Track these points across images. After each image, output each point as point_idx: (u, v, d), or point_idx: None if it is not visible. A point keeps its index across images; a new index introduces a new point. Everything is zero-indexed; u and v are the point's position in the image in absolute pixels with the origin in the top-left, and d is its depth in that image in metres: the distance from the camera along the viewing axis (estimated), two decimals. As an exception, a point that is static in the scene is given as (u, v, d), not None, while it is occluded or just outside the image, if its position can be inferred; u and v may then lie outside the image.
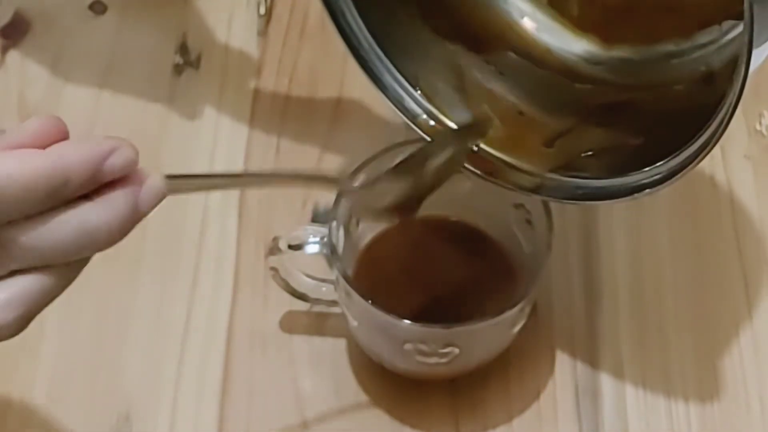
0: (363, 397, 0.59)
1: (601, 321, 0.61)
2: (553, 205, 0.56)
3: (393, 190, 0.54)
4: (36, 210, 0.38)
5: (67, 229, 0.39)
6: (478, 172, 0.56)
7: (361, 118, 0.69)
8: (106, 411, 0.58)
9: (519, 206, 0.58)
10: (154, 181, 0.41)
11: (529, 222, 0.58)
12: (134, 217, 0.40)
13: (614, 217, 0.65)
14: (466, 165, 0.56)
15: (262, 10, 0.73)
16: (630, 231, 0.65)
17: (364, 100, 0.69)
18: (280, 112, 0.69)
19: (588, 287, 0.62)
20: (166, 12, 0.73)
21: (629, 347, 0.60)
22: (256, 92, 0.70)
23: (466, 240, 0.60)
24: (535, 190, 0.55)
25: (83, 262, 0.41)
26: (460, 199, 0.60)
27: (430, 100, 0.57)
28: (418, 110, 0.57)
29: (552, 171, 0.54)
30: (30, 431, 0.58)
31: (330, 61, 0.71)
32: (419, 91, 0.57)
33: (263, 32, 0.72)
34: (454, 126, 0.57)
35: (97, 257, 0.64)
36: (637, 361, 0.60)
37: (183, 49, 0.72)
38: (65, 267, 0.40)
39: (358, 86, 0.70)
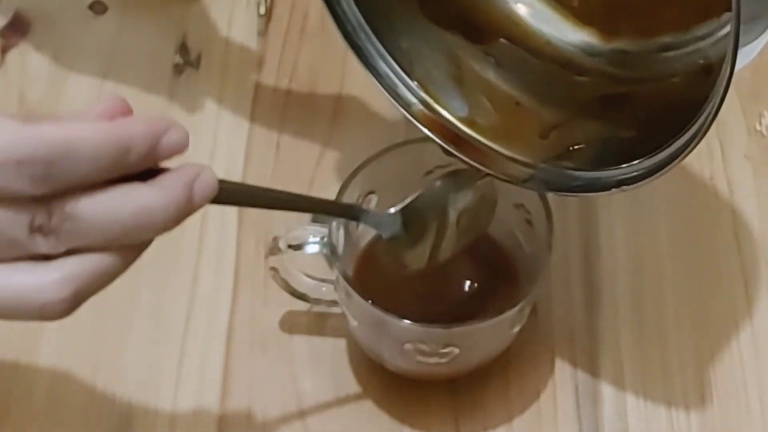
0: (363, 397, 0.59)
1: (601, 321, 0.61)
2: (553, 205, 0.56)
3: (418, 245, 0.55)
4: (101, 177, 0.39)
5: (126, 205, 0.40)
6: (469, 160, 0.55)
7: (361, 118, 0.69)
8: (107, 411, 0.58)
9: (519, 206, 0.58)
10: (208, 175, 0.42)
11: (529, 222, 0.58)
12: (188, 206, 0.42)
13: (614, 217, 0.65)
14: (456, 152, 0.56)
15: (262, 10, 0.73)
16: (630, 231, 0.65)
17: (364, 100, 0.69)
18: (281, 112, 0.69)
19: (588, 287, 0.62)
20: (166, 12, 0.73)
21: (629, 347, 0.60)
22: (257, 92, 0.70)
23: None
24: (527, 180, 0.54)
25: (140, 248, 0.42)
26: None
27: (425, 89, 0.57)
28: (413, 99, 0.57)
29: (545, 162, 0.54)
30: None
31: (330, 60, 0.71)
32: (414, 80, 0.57)
33: (263, 32, 0.72)
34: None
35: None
36: (637, 361, 0.60)
37: (183, 49, 0.72)
38: (121, 250, 0.41)
39: (358, 86, 0.70)
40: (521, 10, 0.59)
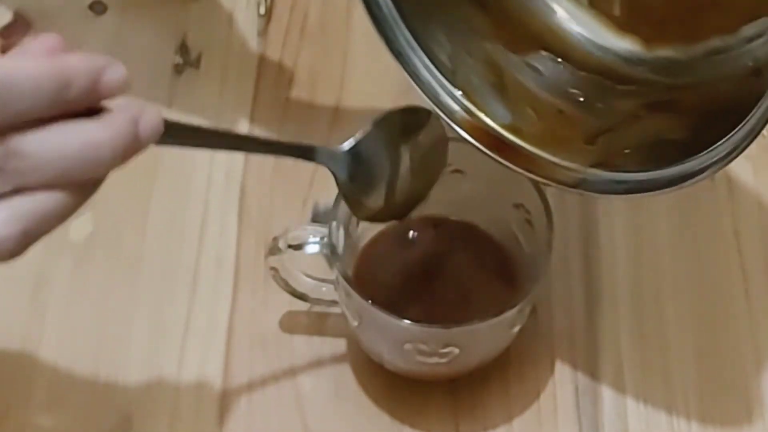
0: (363, 397, 0.59)
1: (601, 321, 0.61)
2: (553, 205, 0.56)
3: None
4: (43, 113, 0.39)
5: (71, 139, 0.40)
6: (516, 167, 0.55)
7: (361, 118, 0.68)
8: (107, 411, 0.58)
9: (519, 206, 0.58)
10: (153, 111, 0.42)
11: (529, 222, 0.58)
12: (135, 142, 0.41)
13: (614, 217, 0.65)
14: (501, 159, 0.55)
15: (262, 10, 0.73)
16: (630, 231, 0.65)
17: (363, 100, 0.69)
18: (280, 112, 0.69)
19: (588, 287, 0.62)
20: (166, 12, 0.73)
21: (629, 347, 0.60)
22: (256, 92, 0.70)
23: (466, 240, 0.60)
24: (576, 185, 0.54)
25: (89, 187, 0.42)
26: (460, 198, 0.60)
27: (467, 97, 0.57)
28: (455, 106, 0.57)
29: (593, 166, 0.54)
30: (30, 432, 0.58)
31: (330, 61, 0.71)
32: (457, 89, 0.57)
33: (263, 32, 0.72)
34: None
35: (97, 256, 0.64)
36: (637, 361, 0.60)
37: (183, 49, 0.72)
38: (70, 188, 0.41)
39: (358, 86, 0.70)
40: (562, 20, 0.59)
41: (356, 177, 0.53)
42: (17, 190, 0.40)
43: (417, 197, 0.56)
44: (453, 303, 0.58)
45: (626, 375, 0.60)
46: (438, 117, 0.56)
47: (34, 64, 0.40)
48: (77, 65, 0.40)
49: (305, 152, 0.52)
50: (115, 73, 0.42)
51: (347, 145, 0.53)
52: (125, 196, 0.64)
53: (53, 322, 0.61)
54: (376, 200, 0.55)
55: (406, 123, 0.55)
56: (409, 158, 0.55)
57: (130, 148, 0.41)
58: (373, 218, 0.56)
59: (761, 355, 0.60)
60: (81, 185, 0.41)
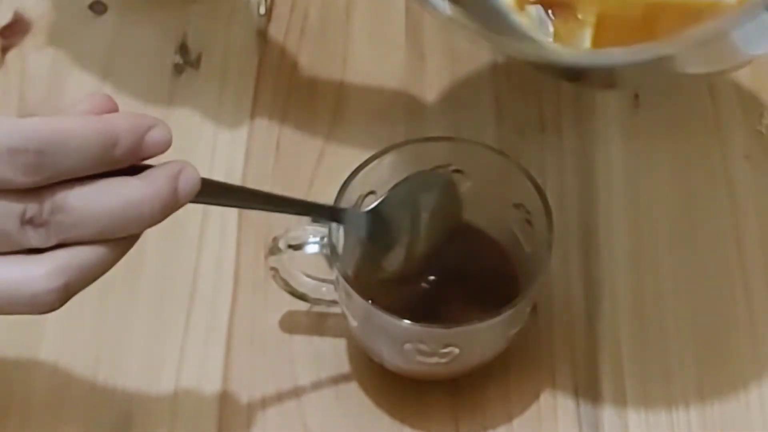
0: (363, 397, 0.59)
1: (601, 321, 0.61)
2: (553, 205, 0.56)
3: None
4: (88, 170, 0.41)
5: (114, 196, 0.41)
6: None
7: (361, 118, 0.69)
8: (107, 409, 0.58)
9: (519, 206, 0.58)
10: (192, 170, 0.44)
11: (529, 222, 0.58)
12: (174, 200, 0.43)
13: (614, 217, 0.65)
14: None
15: (262, 10, 0.73)
16: (630, 231, 0.65)
17: (364, 100, 0.69)
18: (280, 112, 0.69)
19: (588, 287, 0.62)
20: (166, 12, 0.73)
21: (629, 347, 0.60)
22: (256, 92, 0.70)
23: (466, 240, 0.60)
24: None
25: (128, 241, 0.43)
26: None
27: None
28: None
29: None
30: (30, 432, 0.58)
31: (330, 61, 0.71)
32: None
33: (263, 32, 0.72)
34: None
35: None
36: (637, 361, 0.60)
37: (183, 49, 0.72)
38: (110, 243, 0.42)
39: (358, 86, 0.70)
40: None
41: (377, 238, 0.55)
42: (60, 245, 0.41)
43: (430, 256, 0.58)
44: (453, 303, 0.58)
45: (626, 375, 0.59)
46: (449, 176, 0.57)
47: (82, 123, 0.41)
48: (123, 125, 0.42)
49: (331, 213, 0.55)
50: (159, 132, 0.43)
51: (370, 207, 0.56)
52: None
53: (53, 322, 0.61)
54: (395, 261, 0.56)
55: (422, 186, 0.57)
56: (428, 219, 0.57)
57: (169, 206, 0.43)
58: (391, 279, 0.57)
59: (761, 355, 0.60)
60: (121, 240, 0.42)
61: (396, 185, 0.56)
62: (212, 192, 0.46)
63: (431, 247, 0.58)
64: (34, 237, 0.40)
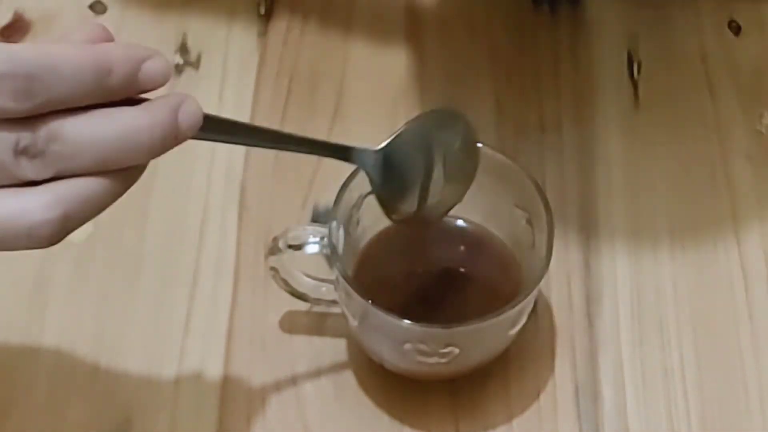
0: (363, 397, 0.59)
1: (601, 322, 0.61)
2: (553, 205, 0.56)
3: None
4: (83, 99, 0.40)
5: (111, 124, 0.40)
6: None
7: (361, 118, 0.69)
8: (107, 411, 0.58)
9: (519, 206, 0.58)
10: (194, 103, 0.43)
11: (529, 222, 0.58)
12: (174, 133, 0.42)
13: (614, 217, 0.65)
14: None
15: (263, 11, 0.73)
16: (630, 231, 0.65)
17: (364, 100, 0.69)
18: (281, 112, 0.69)
19: (588, 287, 0.62)
20: (166, 12, 0.73)
21: (629, 347, 0.60)
22: (257, 92, 0.70)
23: (466, 240, 0.60)
24: None
25: (128, 175, 0.42)
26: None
27: None
28: None
29: None
30: (30, 432, 0.58)
31: (330, 61, 0.71)
32: None
33: (263, 32, 0.73)
34: None
35: (98, 256, 0.64)
36: (637, 361, 0.60)
37: (183, 49, 0.72)
38: (111, 175, 0.41)
39: (358, 86, 0.70)
40: None
41: (390, 179, 0.53)
42: (57, 177, 0.40)
43: (450, 202, 0.56)
44: (453, 303, 0.58)
45: (626, 374, 0.60)
46: (468, 120, 0.55)
47: (75, 50, 0.40)
48: (119, 54, 0.41)
49: (341, 152, 0.52)
50: (156, 63, 0.42)
51: (381, 145, 0.53)
52: (125, 196, 0.64)
53: (54, 321, 0.61)
54: (410, 204, 0.55)
55: (438, 125, 0.55)
56: (443, 161, 0.55)
57: (170, 136, 0.42)
58: (407, 222, 0.55)
59: (761, 355, 0.60)
60: (122, 172, 0.42)
61: (410, 121, 0.54)
62: (216, 128, 0.45)
63: (448, 192, 0.55)
64: (29, 168, 0.40)
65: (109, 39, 0.43)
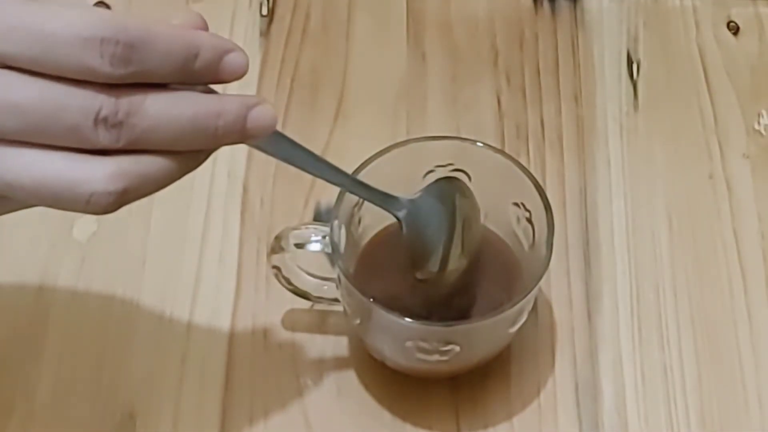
0: (364, 395, 0.59)
1: (601, 320, 0.61)
2: (553, 204, 0.57)
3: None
4: (168, 76, 0.41)
5: (187, 107, 0.42)
6: None
7: (363, 118, 0.69)
8: (110, 410, 0.58)
9: (519, 205, 0.58)
10: (268, 108, 0.44)
11: (529, 221, 0.58)
12: (242, 128, 0.44)
13: (614, 216, 0.65)
14: None
15: (264, 11, 0.73)
16: (630, 230, 0.65)
17: (365, 100, 0.70)
18: (282, 113, 0.69)
19: (588, 286, 0.63)
20: (167, 12, 0.73)
21: (629, 346, 0.61)
22: (259, 92, 0.70)
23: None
24: None
25: (191, 160, 0.43)
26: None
27: None
28: None
29: None
30: (34, 430, 0.58)
31: (332, 61, 0.71)
32: None
33: (265, 33, 0.73)
34: None
35: (101, 255, 0.64)
36: (637, 359, 0.60)
37: (185, 49, 0.72)
38: (174, 157, 0.42)
39: (360, 86, 0.70)
40: None
41: (419, 232, 0.55)
42: (127, 150, 0.41)
43: (459, 269, 0.57)
44: (454, 301, 0.59)
45: (626, 373, 0.60)
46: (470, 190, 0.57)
47: (171, 30, 0.42)
48: (207, 40, 0.42)
49: (390, 203, 0.54)
50: (239, 57, 0.44)
51: (414, 196, 0.55)
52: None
53: (57, 320, 0.61)
54: (433, 263, 0.56)
55: (459, 192, 0.57)
56: (461, 227, 0.57)
57: (236, 131, 0.43)
58: (428, 282, 0.56)
59: (761, 355, 0.60)
60: (184, 156, 0.43)
61: (433, 183, 0.56)
62: (280, 146, 0.48)
63: (460, 259, 0.57)
64: (105, 136, 0.40)
65: (204, 27, 0.44)
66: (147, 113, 0.41)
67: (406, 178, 0.58)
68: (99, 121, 0.40)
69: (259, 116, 0.44)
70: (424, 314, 0.55)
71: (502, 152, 0.59)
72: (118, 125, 0.40)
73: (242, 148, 0.67)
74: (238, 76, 0.44)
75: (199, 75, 0.42)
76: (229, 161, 0.67)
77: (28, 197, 0.42)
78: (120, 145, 0.41)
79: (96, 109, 0.40)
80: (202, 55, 0.42)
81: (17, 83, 0.40)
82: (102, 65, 0.40)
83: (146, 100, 0.41)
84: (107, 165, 0.41)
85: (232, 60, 0.43)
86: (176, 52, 0.41)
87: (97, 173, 0.41)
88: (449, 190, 0.57)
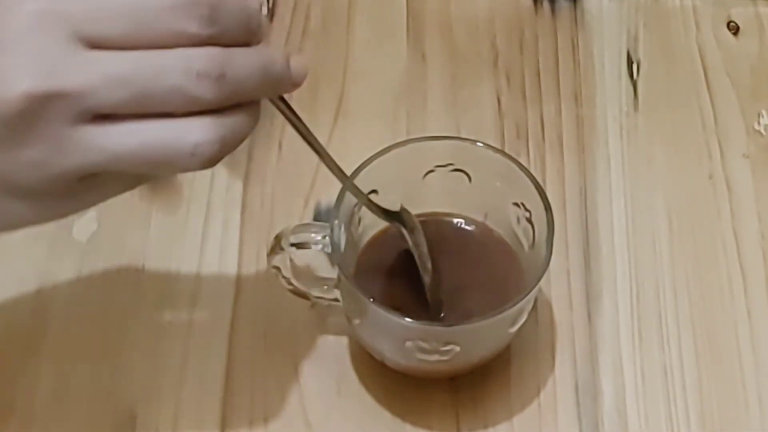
0: (364, 395, 0.59)
1: (601, 320, 0.62)
2: (553, 204, 0.57)
3: None
4: (240, 37, 0.44)
5: (258, 57, 0.45)
6: None
7: (363, 118, 0.69)
8: (110, 410, 0.58)
9: (519, 205, 0.58)
10: (302, 58, 0.48)
11: (529, 221, 0.58)
12: (289, 75, 0.47)
13: (614, 216, 0.65)
14: None
15: (264, 11, 0.73)
16: (630, 230, 0.65)
17: (365, 99, 0.70)
18: (282, 113, 0.69)
19: (588, 286, 0.63)
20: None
21: (629, 346, 0.61)
22: (258, 92, 0.70)
23: (467, 238, 0.60)
24: None
25: (258, 112, 0.46)
26: (460, 197, 0.60)
27: None
28: None
29: None
30: (34, 430, 0.58)
31: (332, 61, 0.71)
32: None
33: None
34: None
35: (101, 254, 0.64)
36: (637, 359, 0.60)
37: (185, 49, 0.72)
38: (253, 107, 0.46)
39: (360, 86, 0.70)
40: None
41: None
42: (222, 105, 0.44)
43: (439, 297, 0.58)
44: (453, 301, 0.59)
45: (626, 373, 0.60)
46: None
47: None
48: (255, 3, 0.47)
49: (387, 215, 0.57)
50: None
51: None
52: (128, 195, 0.64)
53: (57, 319, 0.61)
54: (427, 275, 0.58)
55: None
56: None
57: (288, 76, 0.47)
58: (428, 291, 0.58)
59: (761, 355, 0.60)
60: (257, 106, 0.46)
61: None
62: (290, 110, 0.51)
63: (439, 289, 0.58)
64: (208, 90, 0.43)
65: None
66: (237, 64, 0.43)
67: (406, 178, 0.58)
68: (201, 76, 0.42)
69: (297, 63, 0.47)
70: (424, 314, 0.55)
71: (502, 152, 0.59)
72: (220, 77, 0.43)
73: (242, 149, 0.67)
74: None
75: (257, 37, 0.45)
76: (229, 161, 0.66)
77: (137, 163, 0.43)
78: (222, 97, 0.43)
79: (196, 66, 0.42)
80: (256, 15, 0.45)
81: (114, 58, 0.42)
82: (191, 26, 0.42)
83: (233, 53, 0.43)
84: (205, 118, 0.43)
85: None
86: (242, 11, 0.44)
87: (198, 125, 0.43)
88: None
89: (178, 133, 0.43)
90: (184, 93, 0.42)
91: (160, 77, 0.42)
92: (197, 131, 0.43)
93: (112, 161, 0.43)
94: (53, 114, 0.42)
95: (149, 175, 0.47)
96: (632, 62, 0.72)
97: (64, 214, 0.47)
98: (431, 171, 0.59)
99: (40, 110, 0.41)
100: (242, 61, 0.44)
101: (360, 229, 0.59)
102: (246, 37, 0.45)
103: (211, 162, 0.44)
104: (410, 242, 0.57)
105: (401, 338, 0.55)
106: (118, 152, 0.43)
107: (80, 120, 0.42)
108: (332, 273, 0.58)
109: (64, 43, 0.41)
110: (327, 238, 0.56)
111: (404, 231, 0.57)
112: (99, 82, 0.42)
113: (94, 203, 0.47)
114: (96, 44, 0.42)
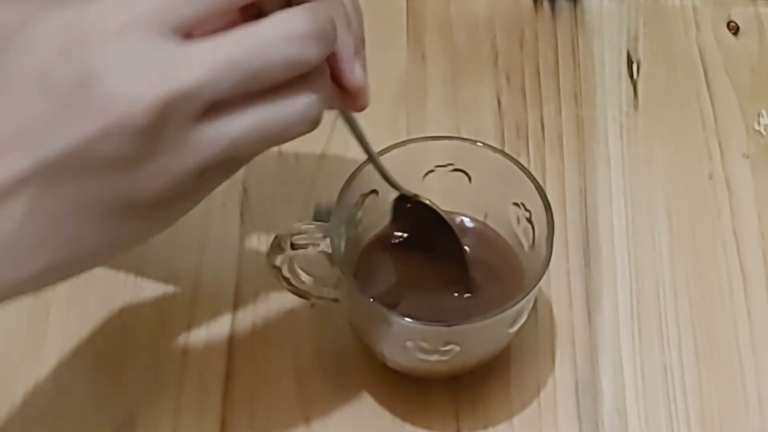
0: (364, 395, 0.59)
1: (601, 320, 0.62)
2: (553, 204, 0.57)
3: None
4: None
5: (343, 9, 0.47)
6: None
7: (363, 118, 0.69)
8: (110, 410, 0.58)
9: (519, 205, 0.58)
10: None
11: (529, 221, 0.58)
12: (361, 22, 0.49)
13: (614, 216, 0.65)
14: None
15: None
16: (630, 230, 0.65)
17: (365, 101, 0.70)
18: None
19: (588, 286, 0.63)
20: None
21: (629, 346, 0.61)
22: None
23: (467, 238, 0.60)
24: None
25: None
26: (460, 197, 0.60)
27: None
28: None
29: None
30: (34, 430, 0.58)
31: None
32: None
33: (265, 33, 0.73)
34: None
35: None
36: (637, 359, 0.60)
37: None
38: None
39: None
40: None
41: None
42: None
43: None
44: (454, 301, 0.59)
45: (626, 373, 0.60)
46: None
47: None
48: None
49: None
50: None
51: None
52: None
53: (57, 320, 0.61)
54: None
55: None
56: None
57: (361, 22, 0.49)
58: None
59: (761, 355, 0.60)
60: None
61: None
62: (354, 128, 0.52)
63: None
64: (312, 51, 0.42)
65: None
66: (328, 17, 0.43)
67: (406, 178, 0.58)
68: (304, 38, 0.42)
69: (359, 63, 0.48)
70: (424, 314, 0.55)
71: (502, 152, 0.59)
72: (321, 34, 0.43)
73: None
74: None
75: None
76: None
77: (255, 144, 0.43)
78: (326, 53, 0.43)
79: (296, 29, 0.42)
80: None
81: (215, 43, 0.41)
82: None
83: (318, 7, 0.43)
84: (302, 82, 0.43)
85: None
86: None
87: (300, 89, 0.43)
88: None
89: (286, 103, 0.43)
90: (290, 60, 0.42)
91: (266, 50, 0.41)
92: (302, 96, 0.43)
93: (231, 149, 0.42)
94: (178, 115, 0.40)
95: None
96: (632, 62, 0.72)
97: (176, 219, 0.46)
98: (431, 171, 0.59)
99: (167, 115, 0.40)
100: (331, 14, 0.43)
101: (360, 229, 0.59)
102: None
103: (317, 122, 0.44)
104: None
105: (401, 338, 0.55)
106: (236, 139, 0.42)
107: (200, 116, 0.41)
108: (332, 273, 0.58)
109: (161, 42, 0.40)
110: (327, 238, 0.56)
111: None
112: (212, 71, 0.40)
113: (202, 198, 0.46)
114: (187, 31, 0.41)
